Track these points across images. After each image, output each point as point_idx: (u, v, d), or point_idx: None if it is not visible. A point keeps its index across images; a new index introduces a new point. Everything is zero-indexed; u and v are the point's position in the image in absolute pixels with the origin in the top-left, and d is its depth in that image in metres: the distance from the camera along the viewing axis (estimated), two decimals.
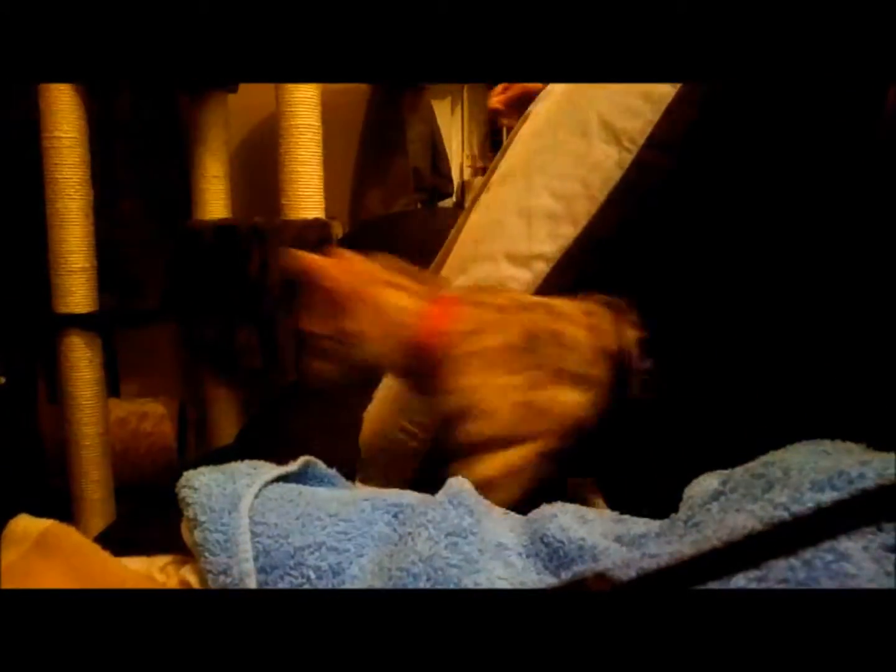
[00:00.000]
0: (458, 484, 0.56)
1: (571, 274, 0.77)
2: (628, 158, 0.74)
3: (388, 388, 0.86)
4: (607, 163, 0.75)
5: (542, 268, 0.77)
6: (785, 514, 0.38)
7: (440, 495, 0.55)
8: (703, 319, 0.68)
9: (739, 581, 0.33)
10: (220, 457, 0.67)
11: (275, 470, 0.60)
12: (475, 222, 0.87)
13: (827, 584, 0.33)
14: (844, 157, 0.63)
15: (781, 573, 0.34)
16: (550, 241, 0.77)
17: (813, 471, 0.41)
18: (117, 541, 0.67)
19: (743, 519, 0.40)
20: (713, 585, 0.29)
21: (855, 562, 0.34)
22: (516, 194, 0.81)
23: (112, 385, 1.85)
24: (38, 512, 0.58)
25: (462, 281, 0.83)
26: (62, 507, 1.57)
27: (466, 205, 0.95)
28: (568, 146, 0.78)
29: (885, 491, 0.24)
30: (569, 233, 0.76)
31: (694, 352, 0.67)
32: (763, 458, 0.47)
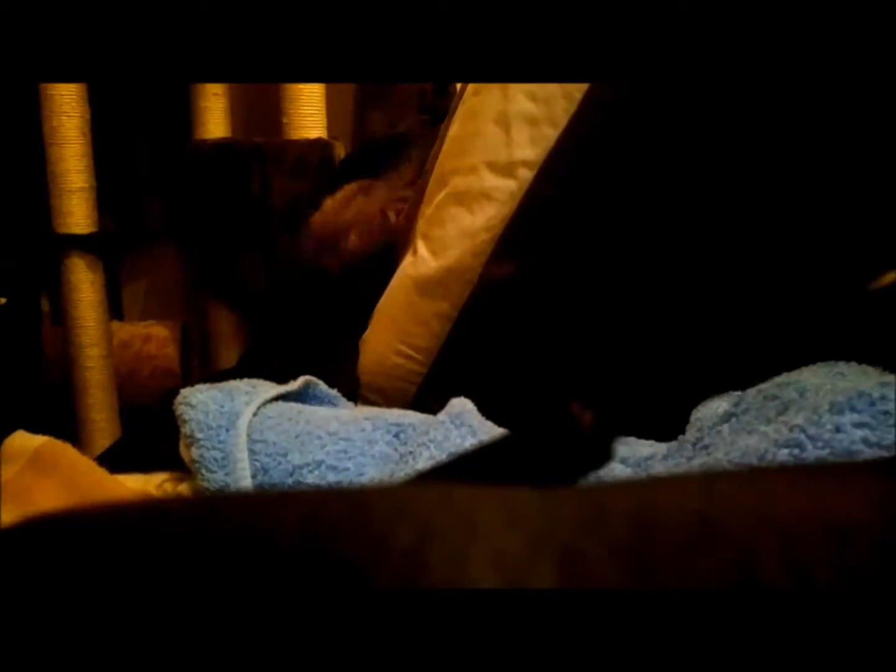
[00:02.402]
0: (460, 404, 0.55)
1: (557, 180, 0.74)
2: None
3: (383, 313, 0.84)
4: None
5: (527, 174, 0.74)
6: (801, 437, 0.36)
7: (442, 415, 0.54)
8: (707, 235, 0.65)
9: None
10: (222, 379, 0.66)
11: (274, 389, 0.59)
12: (453, 135, 0.84)
13: None
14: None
15: None
16: (532, 145, 0.73)
17: (831, 392, 0.39)
18: (119, 460, 0.66)
19: (756, 441, 0.38)
20: None
21: None
22: (492, 102, 0.77)
23: (115, 307, 1.84)
24: (44, 433, 0.57)
25: (443, 195, 0.80)
26: (68, 428, 1.57)
27: (446, 120, 0.91)
28: None
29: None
30: (550, 134, 0.72)
31: (699, 269, 0.65)
32: (777, 380, 0.46)
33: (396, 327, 0.81)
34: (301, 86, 1.53)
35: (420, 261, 0.79)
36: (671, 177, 0.66)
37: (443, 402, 0.58)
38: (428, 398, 0.71)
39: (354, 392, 0.83)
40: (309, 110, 1.54)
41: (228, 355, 1.71)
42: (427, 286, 0.78)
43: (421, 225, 0.84)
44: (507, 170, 0.75)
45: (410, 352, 0.79)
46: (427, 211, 0.83)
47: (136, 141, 1.78)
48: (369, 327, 0.86)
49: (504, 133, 0.75)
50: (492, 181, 0.76)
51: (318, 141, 1.52)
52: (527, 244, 0.75)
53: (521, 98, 0.74)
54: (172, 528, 0.16)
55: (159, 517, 0.17)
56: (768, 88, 0.61)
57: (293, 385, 0.61)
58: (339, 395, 0.64)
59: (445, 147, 0.84)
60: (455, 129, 0.84)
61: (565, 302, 0.70)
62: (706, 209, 0.64)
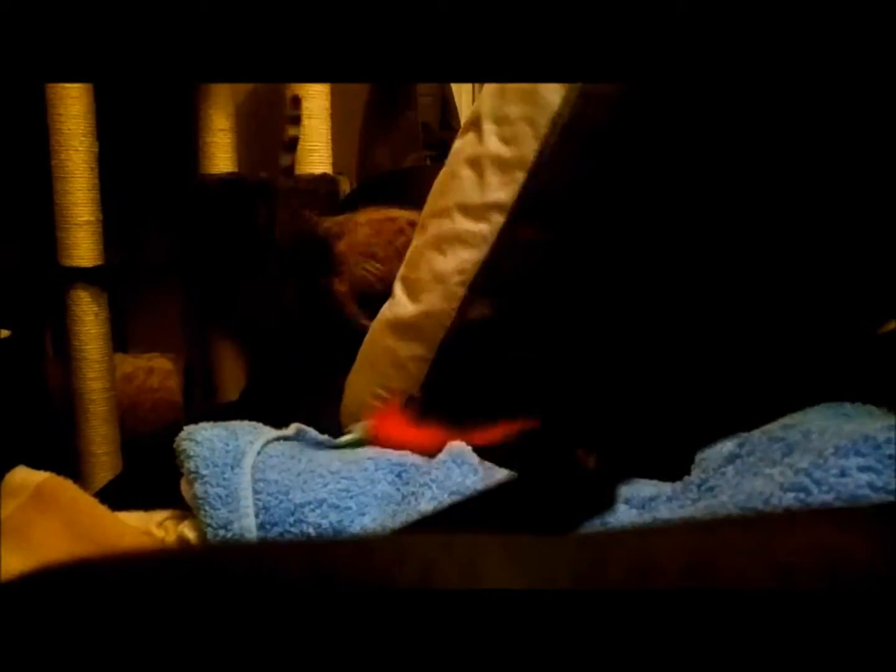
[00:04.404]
0: (460, 445, 0.55)
1: (532, 225, 0.73)
2: (575, 92, 0.68)
3: (364, 355, 0.84)
4: (553, 98, 0.70)
5: (498, 218, 0.73)
6: (807, 480, 0.36)
7: (443, 455, 0.53)
8: (708, 272, 0.64)
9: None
10: (222, 413, 0.66)
11: (275, 431, 0.59)
12: (439, 177, 0.84)
13: None
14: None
15: None
16: (503, 188, 0.73)
17: (836, 435, 0.39)
18: (119, 496, 0.66)
19: (761, 483, 0.38)
20: None
21: None
22: (468, 143, 0.77)
23: (119, 340, 1.84)
24: (45, 466, 0.57)
25: (422, 239, 0.80)
26: (69, 461, 1.57)
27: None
28: (515, 87, 0.74)
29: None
30: (520, 178, 0.72)
31: (701, 308, 0.65)
32: (781, 421, 0.45)
33: (375, 370, 0.81)
34: (306, 121, 1.55)
35: (397, 304, 0.80)
36: (652, 213, 0.66)
37: None
38: None
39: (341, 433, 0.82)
40: (314, 146, 1.56)
41: (231, 388, 1.71)
42: (403, 330, 0.78)
43: (402, 268, 0.84)
44: (478, 213, 0.75)
45: (387, 395, 0.78)
46: (408, 253, 0.84)
47: (143, 175, 1.80)
48: (352, 369, 0.85)
49: (477, 176, 0.75)
50: (464, 224, 0.75)
51: (323, 176, 1.54)
52: (500, 288, 0.74)
53: (494, 140, 0.74)
54: (181, 575, 0.16)
55: (167, 566, 0.17)
56: (769, 131, 0.61)
57: (287, 431, 0.61)
58: (330, 439, 0.64)
59: (432, 189, 0.85)
60: (441, 171, 0.84)
61: (549, 344, 0.69)
62: (701, 244, 0.64)
